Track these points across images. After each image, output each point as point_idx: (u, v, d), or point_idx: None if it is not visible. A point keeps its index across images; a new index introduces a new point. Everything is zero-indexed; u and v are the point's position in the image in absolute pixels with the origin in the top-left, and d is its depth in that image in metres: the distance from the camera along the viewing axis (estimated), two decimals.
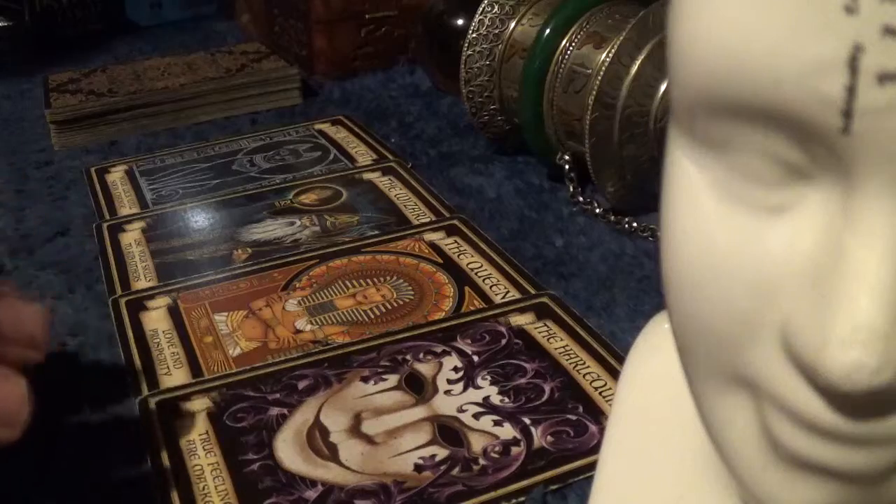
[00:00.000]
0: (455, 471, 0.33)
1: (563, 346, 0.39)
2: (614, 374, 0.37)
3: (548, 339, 0.40)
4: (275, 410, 0.36)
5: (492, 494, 0.32)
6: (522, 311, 0.42)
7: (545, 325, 0.41)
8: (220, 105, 0.71)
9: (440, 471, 0.33)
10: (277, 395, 0.37)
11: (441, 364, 0.39)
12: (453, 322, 0.42)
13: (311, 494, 0.32)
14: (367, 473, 0.33)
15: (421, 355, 0.39)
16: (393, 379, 0.38)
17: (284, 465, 0.33)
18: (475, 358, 0.39)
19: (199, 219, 0.54)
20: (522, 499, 0.32)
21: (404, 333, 0.41)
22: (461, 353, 0.39)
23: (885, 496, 0.16)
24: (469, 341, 0.40)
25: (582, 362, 0.38)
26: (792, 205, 0.15)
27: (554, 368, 0.38)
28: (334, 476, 0.33)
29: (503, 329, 0.41)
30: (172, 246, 0.51)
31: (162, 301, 0.45)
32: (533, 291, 0.43)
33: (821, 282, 0.14)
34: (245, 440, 0.35)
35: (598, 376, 0.37)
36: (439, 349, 0.40)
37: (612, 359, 0.38)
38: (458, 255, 0.47)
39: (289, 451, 0.34)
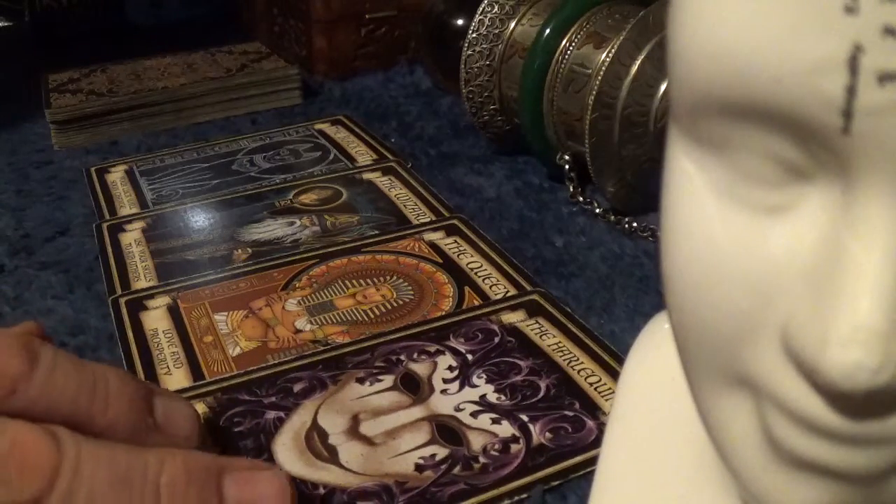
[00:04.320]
0: (456, 470, 0.33)
1: (556, 343, 0.39)
2: (608, 369, 0.37)
3: (540, 336, 0.40)
4: (271, 414, 0.36)
5: (494, 492, 0.32)
6: (513, 308, 0.42)
7: (536, 322, 0.41)
8: (220, 105, 0.71)
9: (441, 470, 0.33)
10: (273, 399, 0.37)
11: (436, 364, 0.39)
12: (445, 321, 0.42)
13: (314, 497, 0.32)
14: (368, 475, 0.33)
15: (415, 355, 0.39)
16: (388, 379, 0.38)
17: (285, 468, 0.33)
18: (469, 357, 0.39)
19: (199, 219, 0.54)
20: (525, 496, 0.32)
21: (398, 334, 0.41)
22: (455, 352, 0.39)
23: (886, 496, 0.16)
24: (462, 340, 0.40)
25: (575, 358, 0.38)
26: (792, 205, 0.15)
27: (548, 365, 0.38)
28: (335, 478, 0.33)
29: (495, 327, 0.41)
30: (172, 246, 0.51)
31: (162, 301, 0.45)
32: (529, 289, 0.44)
33: (821, 282, 0.14)
34: (243, 444, 0.35)
35: (593, 372, 0.37)
36: (433, 349, 0.40)
37: (606, 354, 0.38)
38: (458, 255, 0.47)
39: (288, 454, 0.34)
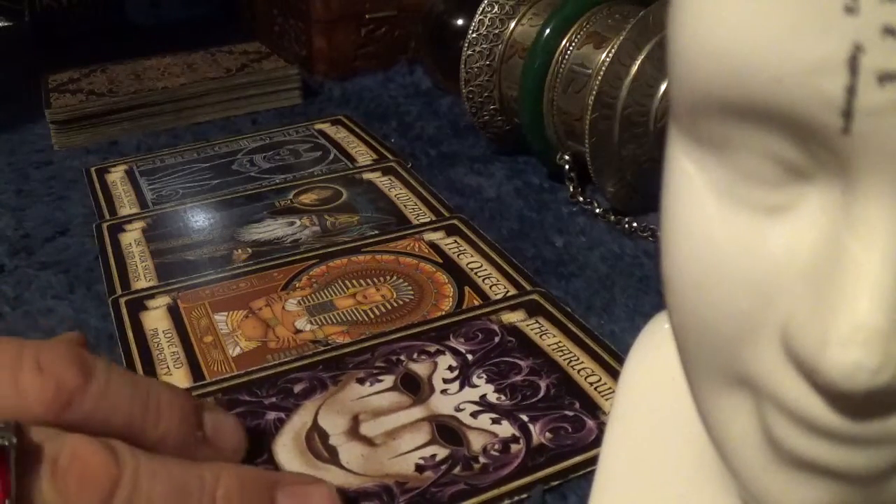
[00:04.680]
0: (456, 470, 0.33)
1: (556, 343, 0.39)
2: (608, 369, 0.37)
3: (540, 336, 0.40)
4: (272, 414, 0.36)
5: (494, 492, 0.32)
6: (513, 308, 0.42)
7: (536, 321, 0.41)
8: (220, 105, 0.71)
9: (441, 470, 0.33)
10: (274, 399, 0.37)
11: (436, 364, 0.39)
12: (445, 321, 0.42)
13: None
14: (369, 475, 0.33)
15: (415, 355, 0.39)
16: (388, 380, 0.38)
17: (285, 469, 0.33)
18: (469, 357, 0.39)
19: (199, 219, 0.54)
20: (525, 496, 0.32)
21: (398, 334, 0.41)
22: (455, 352, 0.39)
23: (886, 496, 0.16)
24: (462, 340, 0.40)
25: (575, 358, 0.38)
26: (792, 205, 0.15)
27: (548, 365, 0.38)
28: (336, 479, 0.33)
29: (495, 327, 0.41)
30: (172, 246, 0.51)
31: (162, 301, 0.45)
32: (529, 289, 0.44)
33: (821, 282, 0.14)
34: None
35: (593, 372, 0.37)
36: (433, 349, 0.40)
37: (606, 354, 0.38)
38: (458, 255, 0.47)
39: (289, 455, 0.34)
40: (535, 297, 0.43)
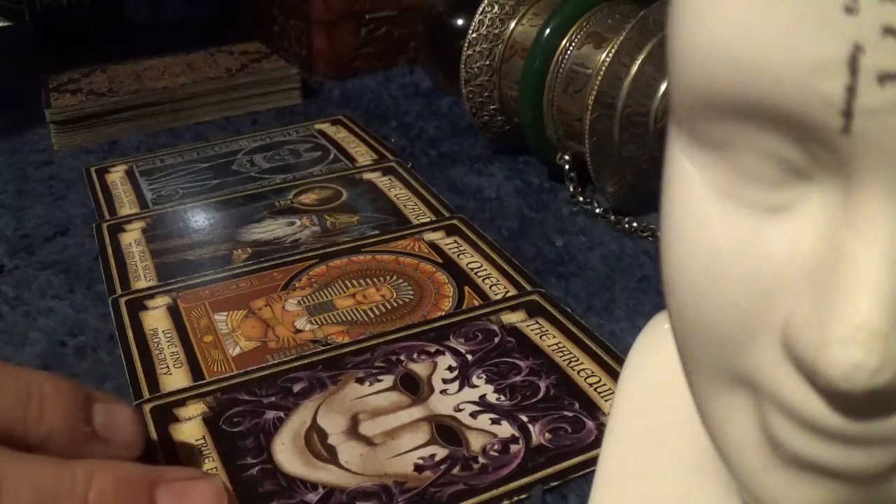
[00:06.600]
0: (455, 470, 0.33)
1: (556, 344, 0.39)
2: (608, 370, 0.37)
3: (540, 337, 0.40)
4: (271, 414, 0.36)
5: (493, 493, 0.32)
6: (513, 308, 0.42)
7: (536, 322, 0.41)
8: (220, 105, 0.71)
9: (440, 470, 0.33)
10: (273, 399, 0.37)
11: (435, 364, 0.39)
12: (445, 322, 0.42)
13: (313, 497, 0.32)
14: (368, 475, 0.33)
15: (415, 355, 0.39)
16: (388, 380, 0.38)
17: (284, 468, 0.33)
18: (469, 357, 0.39)
19: (199, 219, 0.54)
20: (524, 496, 0.32)
21: (398, 334, 0.41)
22: (455, 352, 0.39)
23: (886, 496, 0.16)
24: (462, 340, 0.40)
25: (575, 359, 0.38)
26: (792, 205, 0.15)
27: (548, 366, 0.38)
28: (335, 478, 0.33)
29: (495, 327, 0.41)
30: (172, 246, 0.51)
31: (162, 301, 0.45)
32: (530, 289, 0.44)
33: (821, 282, 0.14)
34: (243, 444, 0.35)
35: (593, 373, 0.37)
36: (433, 349, 0.40)
37: (606, 355, 0.38)
38: (458, 255, 0.47)
39: (287, 454, 0.34)
40: (535, 297, 0.43)
